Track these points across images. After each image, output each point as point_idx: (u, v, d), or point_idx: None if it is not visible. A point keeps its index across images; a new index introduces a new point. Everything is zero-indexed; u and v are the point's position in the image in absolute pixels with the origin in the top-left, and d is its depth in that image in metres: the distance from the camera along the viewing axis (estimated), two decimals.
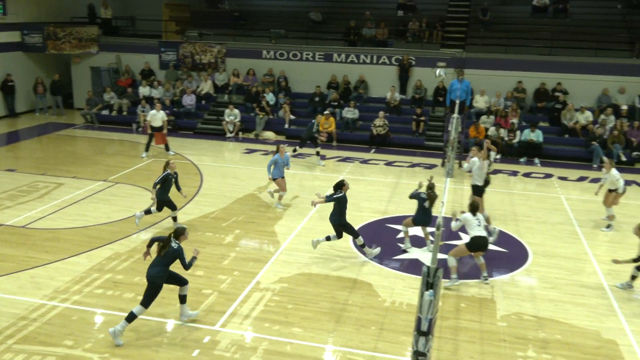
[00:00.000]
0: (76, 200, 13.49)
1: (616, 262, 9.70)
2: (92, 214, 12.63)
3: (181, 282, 8.27)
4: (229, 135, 20.99)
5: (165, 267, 8.00)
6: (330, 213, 10.72)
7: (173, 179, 11.68)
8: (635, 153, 18.47)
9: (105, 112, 22.67)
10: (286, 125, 21.12)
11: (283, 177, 13.47)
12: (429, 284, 6.21)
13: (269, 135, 21.05)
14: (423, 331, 6.27)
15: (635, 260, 9.53)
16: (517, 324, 8.59)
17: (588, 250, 11.45)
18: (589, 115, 19.54)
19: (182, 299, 8.35)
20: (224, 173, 16.35)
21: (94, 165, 16.60)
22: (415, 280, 9.71)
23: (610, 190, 12.78)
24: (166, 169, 11.65)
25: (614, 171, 12.59)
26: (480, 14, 22.96)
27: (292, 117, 21.34)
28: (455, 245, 10.32)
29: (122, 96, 23.10)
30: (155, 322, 8.35)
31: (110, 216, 12.53)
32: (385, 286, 9.66)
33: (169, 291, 9.17)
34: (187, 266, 8.08)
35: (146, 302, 7.90)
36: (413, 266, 10.45)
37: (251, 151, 19.00)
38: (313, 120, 17.64)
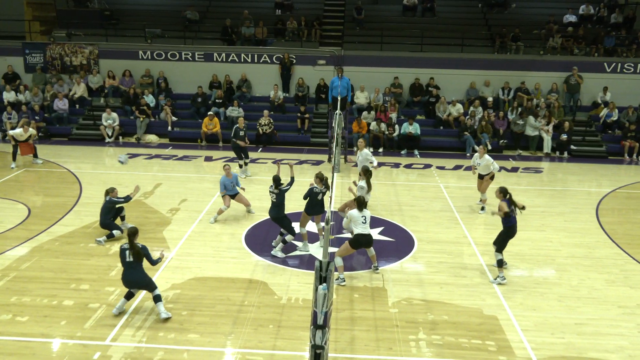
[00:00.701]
0: None
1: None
2: None
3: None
4: (108, 140, 19.99)
5: (141, 266, 8.51)
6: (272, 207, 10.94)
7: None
8: (502, 141, 20.00)
9: None
10: (169, 128, 20.50)
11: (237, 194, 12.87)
12: (322, 278, 6.31)
13: (152, 138, 20.32)
14: (319, 325, 6.36)
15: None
16: (407, 309, 8.97)
17: (467, 233, 12.23)
18: (460, 107, 20.86)
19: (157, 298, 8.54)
20: (105, 180, 15.53)
21: None
22: (309, 276, 9.83)
23: (481, 176, 13.73)
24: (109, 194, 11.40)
25: (487, 156, 13.52)
26: (355, 12, 23.68)
27: (175, 118, 20.76)
28: (346, 239, 10.57)
29: None
30: (38, 342, 7.77)
31: None
32: (281, 284, 9.69)
33: (51, 309, 8.58)
34: (154, 262, 8.58)
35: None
36: (306, 262, 10.56)
37: (134, 155, 18.21)
38: (236, 125, 16.35)
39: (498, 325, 8.55)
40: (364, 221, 9.70)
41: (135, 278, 8.49)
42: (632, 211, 14.08)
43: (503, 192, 10.03)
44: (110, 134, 20.05)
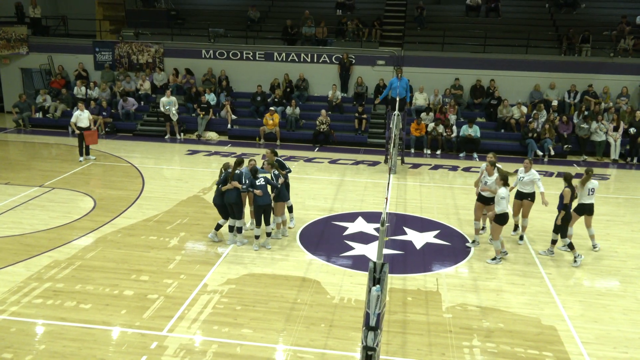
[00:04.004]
0: (11, 208, 12.89)
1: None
2: (28, 221, 12.09)
3: None
4: (173, 118, 20.42)
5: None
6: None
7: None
8: (566, 146, 19.32)
9: (37, 115, 21.77)
10: (229, 126, 20.90)
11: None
12: (376, 280, 6.28)
13: (212, 135, 20.77)
14: (372, 326, 6.33)
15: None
16: (462, 314, 8.81)
17: (525, 239, 11.87)
18: (524, 110, 20.29)
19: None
20: (166, 175, 16.01)
21: (28, 170, 15.91)
22: (363, 277, 9.81)
23: (520, 196, 11.61)
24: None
25: (533, 171, 11.55)
26: (416, 12, 23.43)
27: (234, 117, 21.14)
28: (401, 241, 10.51)
29: (57, 98, 22.23)
30: (99, 330, 8.10)
31: (47, 223, 12.04)
32: (334, 283, 9.71)
33: (112, 298, 8.92)
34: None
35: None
36: (360, 262, 10.55)
37: (194, 152, 18.69)
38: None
39: (557, 336, 8.27)
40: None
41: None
42: None
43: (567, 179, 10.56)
44: (172, 118, 20.45)
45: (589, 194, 11.02)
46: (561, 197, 10.53)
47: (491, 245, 11.09)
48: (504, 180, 10.36)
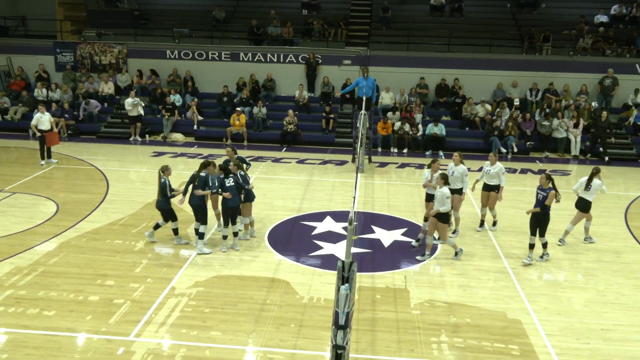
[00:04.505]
0: None
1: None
2: None
3: None
4: (141, 111, 20.10)
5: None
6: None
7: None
8: (528, 143, 19.72)
9: None
10: (195, 127, 20.70)
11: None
12: (345, 278, 6.30)
13: (177, 137, 20.54)
14: (341, 325, 6.35)
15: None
16: (429, 311, 8.91)
17: (491, 235, 12.07)
18: (487, 108, 20.63)
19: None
20: (131, 178, 15.77)
21: None
22: (332, 276, 9.83)
23: (487, 188, 12.00)
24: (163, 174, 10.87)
25: (499, 164, 11.92)
26: (382, 12, 23.59)
27: (200, 117, 20.96)
28: (369, 240, 10.56)
29: (17, 100, 21.67)
30: (64, 337, 7.92)
31: (8, 228, 11.72)
32: (303, 283, 9.71)
33: (76, 304, 8.74)
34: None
35: None
36: (329, 262, 10.56)
37: (159, 154, 18.45)
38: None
39: (522, 329, 8.43)
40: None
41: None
42: None
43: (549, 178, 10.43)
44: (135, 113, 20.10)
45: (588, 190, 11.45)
46: (546, 198, 10.33)
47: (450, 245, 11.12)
48: (444, 179, 10.46)
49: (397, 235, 11.99)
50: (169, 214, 11.00)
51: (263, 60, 22.33)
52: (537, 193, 10.48)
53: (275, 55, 22.25)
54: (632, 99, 21.03)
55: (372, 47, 22.40)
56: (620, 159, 19.20)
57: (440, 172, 10.84)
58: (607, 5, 23.65)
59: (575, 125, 19.79)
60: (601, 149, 19.28)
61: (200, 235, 10.74)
